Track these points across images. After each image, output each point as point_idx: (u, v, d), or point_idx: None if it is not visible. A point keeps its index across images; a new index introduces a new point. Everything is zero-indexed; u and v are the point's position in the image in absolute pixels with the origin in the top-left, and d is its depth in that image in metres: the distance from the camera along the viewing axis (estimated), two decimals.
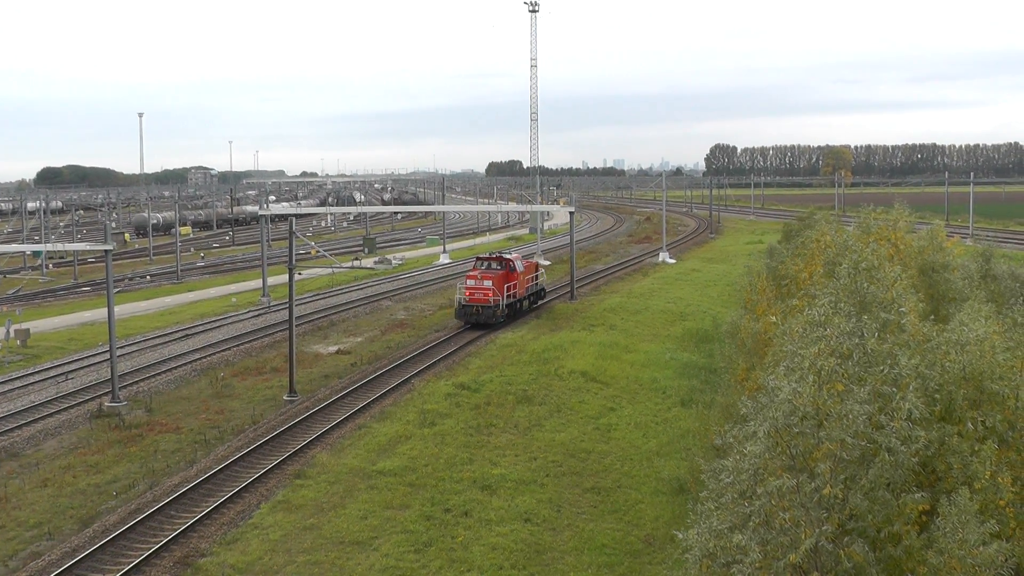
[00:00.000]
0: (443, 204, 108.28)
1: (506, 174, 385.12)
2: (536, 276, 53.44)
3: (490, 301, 47.08)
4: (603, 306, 53.26)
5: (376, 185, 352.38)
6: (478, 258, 50.44)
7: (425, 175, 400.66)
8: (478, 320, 47.12)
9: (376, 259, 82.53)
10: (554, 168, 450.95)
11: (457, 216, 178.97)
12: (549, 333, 45.01)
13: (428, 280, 68.72)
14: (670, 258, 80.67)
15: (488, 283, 47.40)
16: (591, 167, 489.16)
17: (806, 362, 13.45)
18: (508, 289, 48.44)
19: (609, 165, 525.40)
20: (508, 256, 50.32)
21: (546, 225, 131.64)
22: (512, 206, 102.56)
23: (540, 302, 54.07)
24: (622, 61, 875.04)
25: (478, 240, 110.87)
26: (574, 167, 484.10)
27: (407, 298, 60.12)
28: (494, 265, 49.23)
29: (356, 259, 77.81)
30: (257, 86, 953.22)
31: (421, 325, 49.75)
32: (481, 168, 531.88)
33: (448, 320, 50.41)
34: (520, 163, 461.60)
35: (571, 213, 61.42)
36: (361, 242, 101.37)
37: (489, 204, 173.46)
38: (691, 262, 79.62)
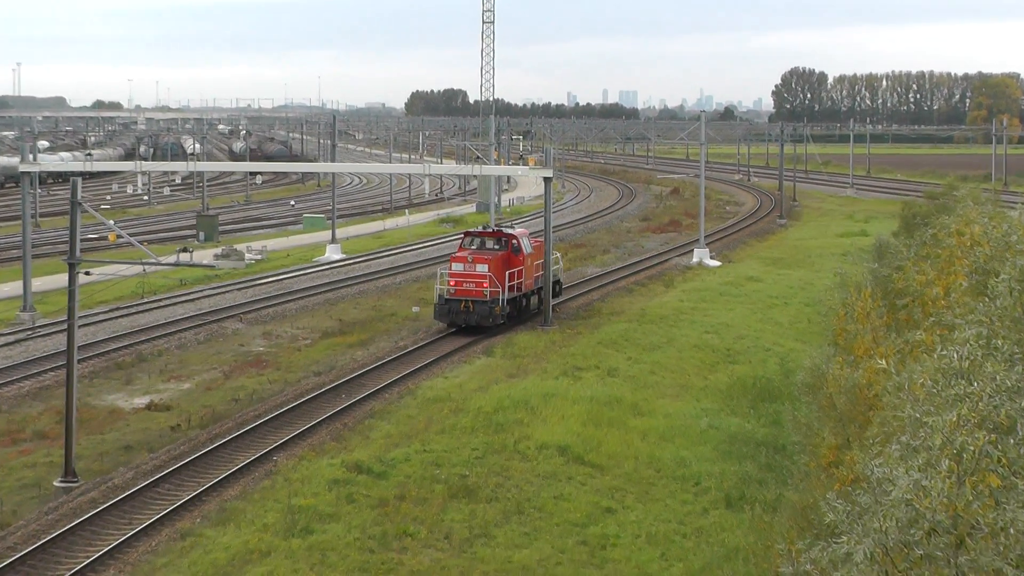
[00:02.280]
0: (334, 160, 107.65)
1: (440, 113, 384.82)
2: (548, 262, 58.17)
3: (485, 294, 52.98)
4: (598, 336, 53.30)
5: (221, 127, 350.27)
6: (467, 234, 57.04)
7: (304, 111, 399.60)
8: (468, 321, 53.27)
9: (219, 251, 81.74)
10: (520, 105, 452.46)
11: (357, 181, 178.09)
12: (506, 380, 44.92)
13: (305, 288, 68.35)
14: (711, 258, 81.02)
15: (482, 268, 53.44)
16: (582, 104, 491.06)
17: (938, 438, 13.41)
18: (511, 278, 54.09)
19: (612, 102, 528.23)
20: (511, 231, 57.28)
21: (506, 199, 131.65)
22: (449, 166, 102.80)
23: (555, 300, 59.25)
24: None
25: (390, 222, 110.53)
26: (555, 103, 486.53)
27: (269, 318, 59.83)
28: (491, 244, 55.01)
29: (185, 250, 77.10)
30: None
31: (292, 363, 49.50)
32: (399, 102, 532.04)
33: (339, 355, 50.29)
34: (463, 95, 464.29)
35: (547, 180, 61.39)
36: (194, 222, 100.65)
37: (412, 162, 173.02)
38: (747, 265, 79.91)
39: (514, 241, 55.76)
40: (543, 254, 58.30)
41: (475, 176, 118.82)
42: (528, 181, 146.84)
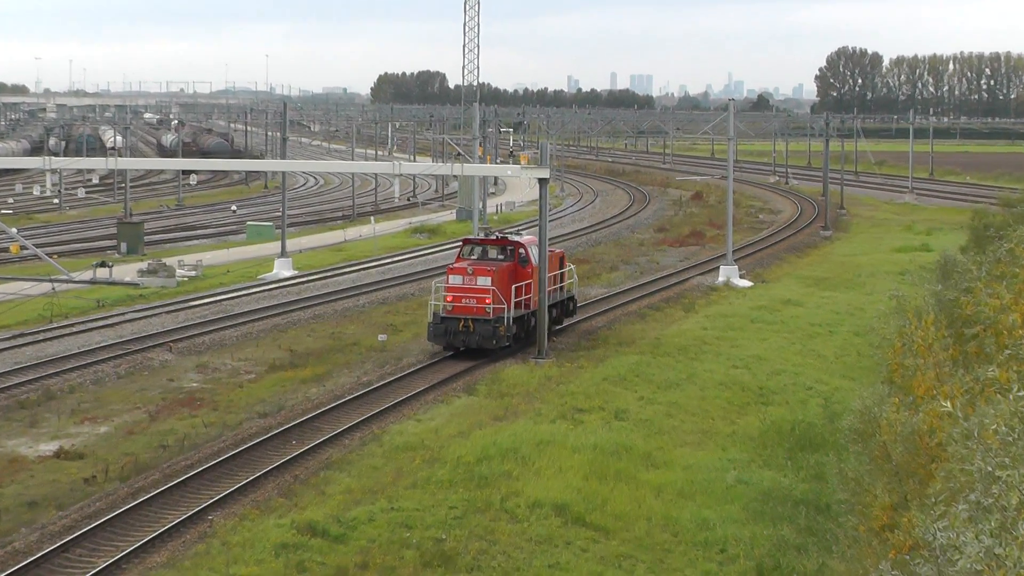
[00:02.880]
0: (284, 157, 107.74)
1: (413, 100, 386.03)
2: (560, 275, 60.19)
3: (488, 311, 54.61)
4: (603, 371, 53.35)
5: (148, 115, 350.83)
6: (467, 241, 58.92)
7: (249, 97, 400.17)
8: (467, 343, 55.13)
9: (144, 266, 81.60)
10: (511, 91, 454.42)
11: (311, 182, 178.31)
12: (492, 423, 44.89)
13: (248, 312, 68.47)
14: (741, 277, 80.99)
15: (485, 281, 55.03)
16: (586, 90, 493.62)
17: (1014, 496, 13.34)
18: (517, 293, 55.78)
19: (622, 88, 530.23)
20: (518, 239, 59.10)
21: (492, 204, 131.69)
22: (424, 164, 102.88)
23: (567, 321, 61.62)
24: None
25: (353, 232, 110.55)
26: (553, 90, 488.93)
27: (205, 347, 59.81)
28: (494, 253, 56.78)
29: (103, 265, 76.93)
30: None
31: (232, 402, 49.38)
32: (364, 87, 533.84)
33: (289, 393, 50.19)
34: (442, 79, 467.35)
35: (543, 181, 61.41)
36: (114, 231, 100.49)
37: (380, 160, 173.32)
38: (784, 285, 79.99)
39: (521, 250, 56.94)
40: (556, 266, 59.50)
41: (455, 176, 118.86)
42: (520, 183, 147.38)
